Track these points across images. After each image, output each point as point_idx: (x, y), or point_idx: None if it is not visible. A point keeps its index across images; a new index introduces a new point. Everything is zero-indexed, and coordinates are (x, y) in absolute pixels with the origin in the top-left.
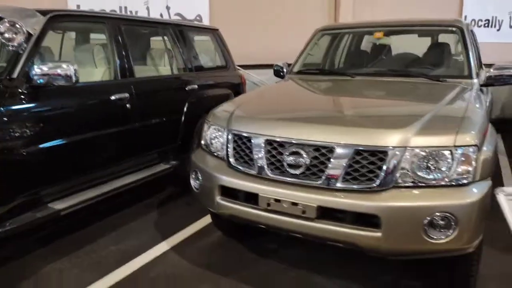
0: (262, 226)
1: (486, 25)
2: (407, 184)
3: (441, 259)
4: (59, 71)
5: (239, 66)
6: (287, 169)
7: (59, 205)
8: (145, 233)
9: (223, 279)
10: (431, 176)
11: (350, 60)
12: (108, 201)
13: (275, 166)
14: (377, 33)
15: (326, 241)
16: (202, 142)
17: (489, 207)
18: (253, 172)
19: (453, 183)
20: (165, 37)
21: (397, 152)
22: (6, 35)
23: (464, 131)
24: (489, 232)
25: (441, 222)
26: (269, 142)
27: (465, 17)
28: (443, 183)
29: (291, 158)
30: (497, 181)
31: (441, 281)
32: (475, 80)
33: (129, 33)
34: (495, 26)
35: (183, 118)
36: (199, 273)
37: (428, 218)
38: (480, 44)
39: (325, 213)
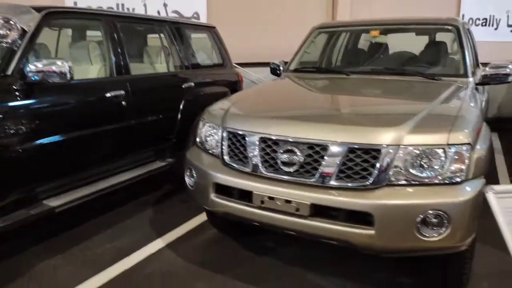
0: (256, 224)
1: (483, 24)
2: (400, 182)
3: (434, 257)
4: (53, 68)
5: (236, 64)
6: (281, 167)
7: (53, 202)
8: (141, 230)
9: (218, 276)
10: (424, 174)
11: (346, 58)
12: (104, 199)
13: (269, 164)
14: (373, 32)
15: (319, 239)
16: (197, 139)
17: (482, 205)
18: (248, 170)
19: (446, 181)
20: (162, 35)
21: (391, 150)
22: (0, 31)
23: (458, 130)
24: (482, 230)
25: (434, 220)
26: (263, 140)
27: (463, 16)
28: (436, 181)
29: (285, 156)
30: (493, 180)
31: (434, 279)
32: (471, 79)
33: (125, 30)
34: (492, 25)
35: (179, 115)
36: (194, 271)
37: (421, 216)
38: (478, 43)
39: (319, 211)
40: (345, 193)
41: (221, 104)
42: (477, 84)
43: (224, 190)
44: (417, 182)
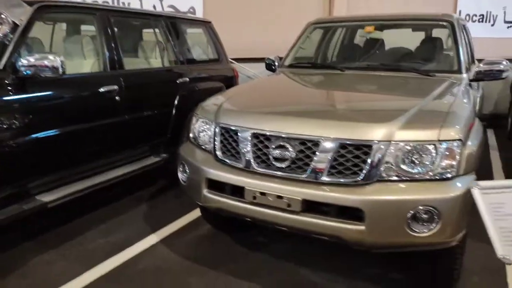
0: (249, 219)
1: (480, 20)
2: (391, 178)
3: (425, 253)
4: (46, 62)
5: (232, 59)
6: (273, 163)
7: (46, 197)
8: (134, 226)
9: (211, 271)
10: (415, 170)
11: (341, 54)
12: (98, 194)
13: (261, 159)
14: (368, 27)
15: (311, 234)
16: (190, 135)
17: (473, 201)
18: (240, 165)
19: (437, 177)
20: (157, 29)
21: (382, 146)
22: None
23: (449, 126)
24: (473, 225)
25: (424, 216)
26: (255, 136)
27: (460, 12)
28: (427, 177)
29: (277, 151)
30: (488, 176)
31: (424, 274)
32: (465, 75)
33: (119, 25)
34: (489, 21)
35: (173, 111)
36: (188, 266)
37: (412, 212)
38: (474, 40)
39: (310, 207)
40: (336, 189)
41: (214, 100)
42: (471, 80)
43: (216, 186)
44: (408, 178)
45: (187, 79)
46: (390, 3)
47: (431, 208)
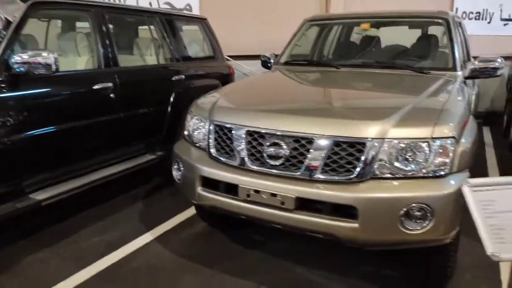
0: (243, 217)
1: (477, 17)
2: (385, 176)
3: (418, 250)
4: (39, 59)
5: (228, 56)
6: (267, 160)
7: (40, 196)
8: (129, 224)
9: (206, 269)
10: (408, 168)
11: (337, 51)
12: (94, 192)
13: (255, 157)
14: (363, 25)
15: (305, 232)
16: (185, 132)
17: None
18: (234, 163)
19: (431, 175)
20: (152, 26)
21: (376, 144)
22: None
23: (442, 123)
24: (467, 223)
25: (417, 213)
26: (249, 133)
27: (456, 9)
28: (420, 174)
29: (271, 149)
30: (483, 173)
31: (418, 271)
32: (459, 73)
33: (114, 22)
34: (486, 19)
35: (169, 108)
36: (182, 264)
37: (405, 209)
38: (471, 37)
39: (304, 204)
40: (329, 186)
41: (209, 97)
42: (466, 77)
43: (210, 184)
44: (401, 176)
45: (183, 76)
46: (387, 0)
47: (424, 206)
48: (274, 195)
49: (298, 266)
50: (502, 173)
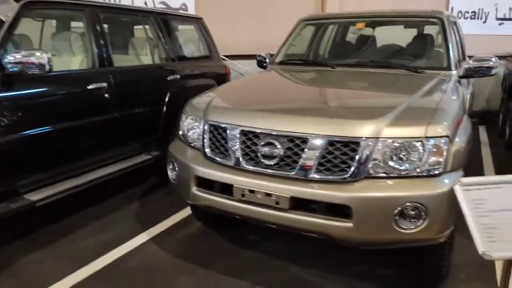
0: (238, 217)
1: (472, 17)
2: (379, 175)
3: (413, 249)
4: (32, 59)
5: (224, 56)
6: (262, 160)
7: (35, 196)
8: (125, 224)
9: (201, 269)
10: (402, 167)
11: (332, 51)
12: (90, 192)
13: (250, 157)
14: (358, 24)
15: (299, 232)
16: (180, 132)
17: None
18: (229, 163)
19: (425, 174)
20: (147, 26)
21: (370, 143)
22: None
23: (436, 122)
24: (462, 222)
25: (412, 212)
26: (244, 133)
27: (452, 9)
28: (414, 173)
29: (265, 149)
30: (479, 172)
31: (413, 270)
32: (454, 72)
33: (109, 22)
34: (481, 18)
35: (164, 108)
36: (178, 264)
37: (399, 209)
38: (466, 36)
39: (298, 204)
40: (324, 186)
41: (204, 97)
42: (460, 77)
43: (205, 184)
44: (395, 175)
45: (178, 76)
46: (383, 0)
47: (418, 205)
48: (268, 194)
49: (293, 265)
50: (498, 172)
